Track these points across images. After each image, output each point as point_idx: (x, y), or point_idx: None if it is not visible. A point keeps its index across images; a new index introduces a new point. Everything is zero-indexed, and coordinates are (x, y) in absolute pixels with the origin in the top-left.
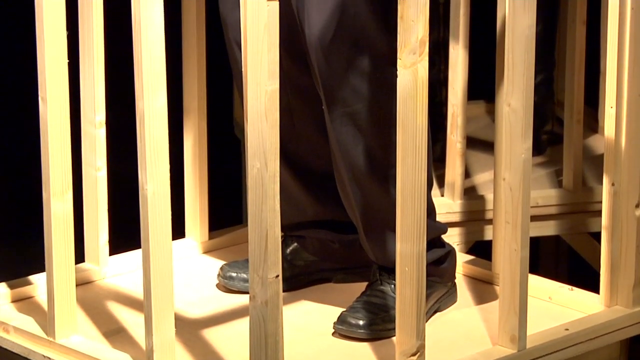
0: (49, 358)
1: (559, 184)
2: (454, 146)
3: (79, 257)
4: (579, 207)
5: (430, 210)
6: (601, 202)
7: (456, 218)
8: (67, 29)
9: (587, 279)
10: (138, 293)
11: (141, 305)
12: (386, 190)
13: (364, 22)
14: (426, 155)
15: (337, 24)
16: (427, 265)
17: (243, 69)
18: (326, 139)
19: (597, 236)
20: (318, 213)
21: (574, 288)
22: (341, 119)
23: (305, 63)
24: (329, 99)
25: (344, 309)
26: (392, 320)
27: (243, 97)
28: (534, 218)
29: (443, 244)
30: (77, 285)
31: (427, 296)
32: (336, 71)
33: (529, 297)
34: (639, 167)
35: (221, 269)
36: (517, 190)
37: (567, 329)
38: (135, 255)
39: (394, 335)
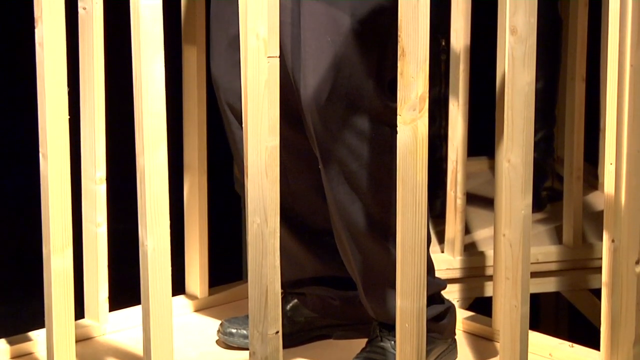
0: None
1: (559, 241)
2: (454, 202)
3: (79, 313)
4: (579, 264)
5: (430, 266)
6: (601, 258)
7: (456, 274)
8: (68, 84)
9: (587, 336)
10: (138, 349)
11: None
12: (385, 248)
13: (359, 82)
14: (426, 211)
15: (333, 85)
16: (427, 321)
17: (243, 125)
18: (323, 197)
19: (597, 293)
20: (317, 270)
21: (575, 345)
22: (338, 179)
23: (301, 123)
24: (325, 159)
25: None
26: None
27: (236, 156)
28: (534, 274)
29: (443, 300)
30: (76, 342)
31: (427, 352)
32: (332, 131)
33: (529, 354)
34: (639, 224)
35: (221, 325)
36: (517, 247)
37: None
38: (135, 312)
39: None
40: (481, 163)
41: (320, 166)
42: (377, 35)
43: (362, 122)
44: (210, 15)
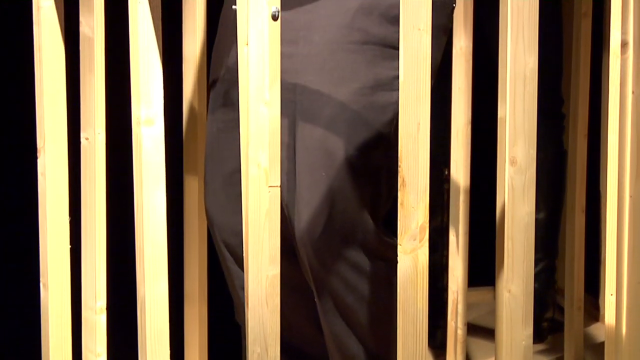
0: None
1: None
2: (455, 333)
3: None
4: None
5: None
6: None
7: None
8: (70, 214)
9: None
10: None
11: None
12: None
13: (353, 216)
14: (427, 341)
15: (327, 219)
16: None
17: (244, 254)
18: (319, 329)
19: None
20: None
21: None
22: (333, 312)
23: (295, 256)
24: (320, 292)
25: None
26: None
27: (232, 290)
28: None
29: None
30: None
31: None
32: (326, 265)
33: None
34: None
35: None
36: None
37: None
38: None
39: None
40: (484, 293)
41: (316, 299)
42: (371, 169)
43: (357, 256)
44: (205, 155)
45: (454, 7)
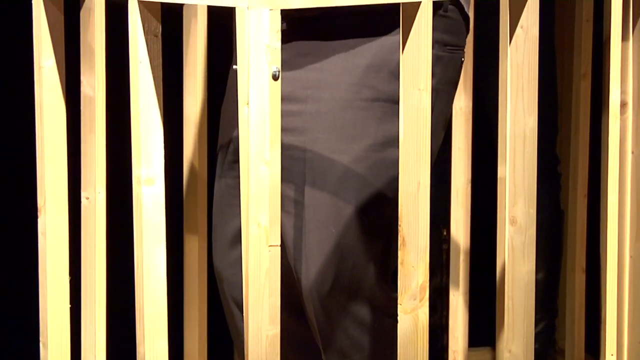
0: None
1: None
2: None
3: None
4: None
5: None
6: None
7: None
8: (70, 273)
9: None
10: None
11: None
12: None
13: (362, 273)
14: None
15: (335, 275)
16: None
17: (244, 313)
18: None
19: None
20: None
21: None
22: None
23: (302, 313)
24: (327, 349)
25: None
26: None
27: (238, 347)
28: None
29: None
30: None
31: None
32: (334, 322)
33: None
34: None
35: None
36: None
37: None
38: None
39: None
40: (484, 353)
41: (323, 356)
42: (381, 226)
43: (364, 313)
44: (213, 211)
45: (462, 61)
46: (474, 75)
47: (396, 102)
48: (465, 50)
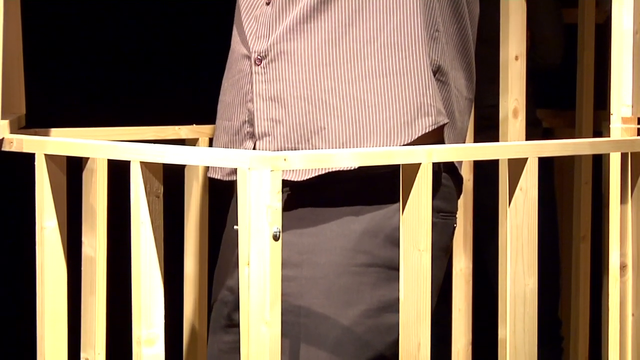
0: None
1: None
2: None
3: None
4: None
5: None
6: None
7: None
8: None
9: None
10: None
11: None
12: None
13: None
14: None
15: None
16: None
17: None
18: None
19: None
20: None
21: None
22: None
23: None
24: None
25: None
26: None
27: None
28: None
29: None
30: None
31: None
32: None
33: None
34: None
35: None
36: None
37: None
38: None
39: None
40: None
41: None
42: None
43: None
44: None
45: (454, 228)
46: (478, 236)
47: (391, 267)
48: (457, 215)
